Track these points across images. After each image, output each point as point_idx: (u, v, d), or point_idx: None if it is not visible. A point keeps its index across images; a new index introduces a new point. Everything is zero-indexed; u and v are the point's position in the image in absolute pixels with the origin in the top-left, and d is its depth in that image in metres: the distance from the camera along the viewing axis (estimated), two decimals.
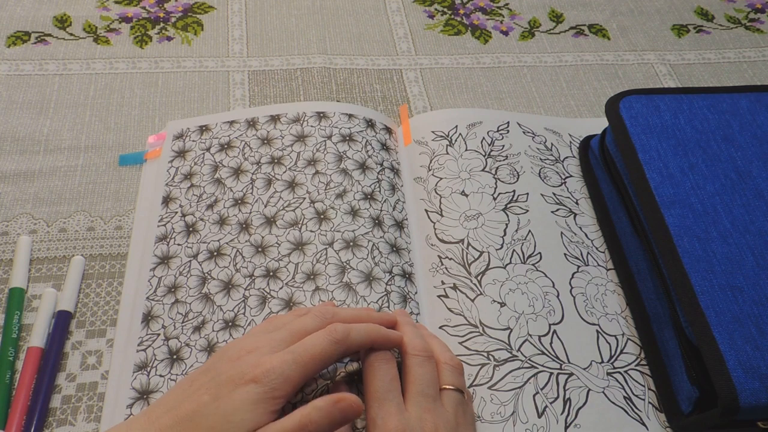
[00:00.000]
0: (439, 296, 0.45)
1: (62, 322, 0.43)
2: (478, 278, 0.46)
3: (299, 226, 0.47)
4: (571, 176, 0.53)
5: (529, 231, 0.49)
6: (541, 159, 0.54)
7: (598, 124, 0.57)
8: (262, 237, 0.46)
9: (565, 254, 0.48)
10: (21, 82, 0.57)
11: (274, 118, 0.54)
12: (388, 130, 0.55)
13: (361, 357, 0.38)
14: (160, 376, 0.41)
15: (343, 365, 0.39)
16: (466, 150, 0.53)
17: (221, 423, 0.31)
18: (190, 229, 0.47)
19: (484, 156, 0.53)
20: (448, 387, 0.37)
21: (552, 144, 0.55)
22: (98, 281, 0.46)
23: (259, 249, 0.46)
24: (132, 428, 0.32)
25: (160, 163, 0.52)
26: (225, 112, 0.57)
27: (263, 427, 0.32)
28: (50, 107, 0.56)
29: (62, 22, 0.64)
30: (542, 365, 0.42)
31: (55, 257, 0.47)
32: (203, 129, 0.53)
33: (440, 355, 0.39)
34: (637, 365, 0.43)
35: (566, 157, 0.55)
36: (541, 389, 0.41)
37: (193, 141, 0.52)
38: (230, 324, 0.43)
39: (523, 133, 0.56)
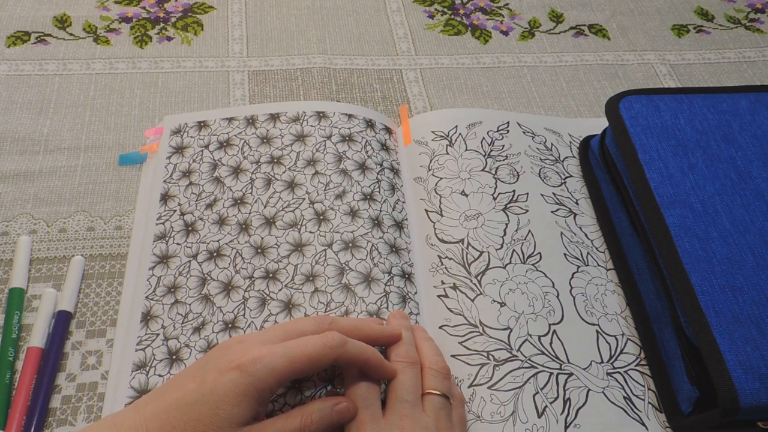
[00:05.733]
0: (439, 296, 0.45)
1: (62, 322, 0.43)
2: (478, 278, 0.46)
3: (298, 227, 0.47)
4: (571, 176, 0.53)
5: (529, 231, 0.49)
6: (541, 159, 0.54)
7: (598, 124, 0.57)
8: (262, 238, 0.46)
9: (565, 254, 0.48)
10: (21, 82, 0.57)
11: (274, 117, 0.53)
12: (388, 131, 0.55)
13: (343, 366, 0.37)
14: (159, 375, 0.41)
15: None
16: (466, 150, 0.53)
17: (209, 415, 0.31)
18: (189, 228, 0.47)
19: (484, 156, 0.53)
20: (431, 392, 0.37)
21: (552, 144, 0.55)
22: (98, 281, 0.46)
23: (259, 250, 0.46)
24: (118, 417, 0.32)
25: (157, 160, 0.52)
26: (224, 108, 0.57)
27: (260, 424, 0.32)
28: (50, 107, 0.56)
29: (62, 22, 0.63)
30: (542, 365, 0.42)
31: (55, 257, 0.47)
32: (201, 125, 0.53)
33: (426, 359, 0.39)
34: (637, 365, 0.43)
35: (566, 157, 0.55)
36: (541, 389, 0.41)
37: (191, 137, 0.52)
38: (230, 325, 0.42)
39: (523, 133, 0.55)
